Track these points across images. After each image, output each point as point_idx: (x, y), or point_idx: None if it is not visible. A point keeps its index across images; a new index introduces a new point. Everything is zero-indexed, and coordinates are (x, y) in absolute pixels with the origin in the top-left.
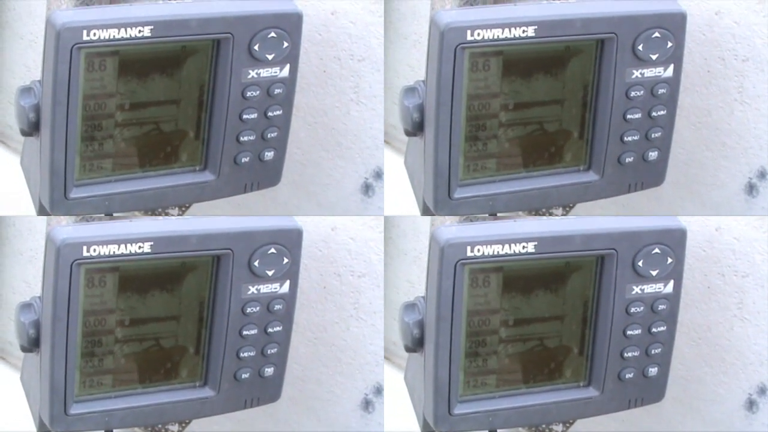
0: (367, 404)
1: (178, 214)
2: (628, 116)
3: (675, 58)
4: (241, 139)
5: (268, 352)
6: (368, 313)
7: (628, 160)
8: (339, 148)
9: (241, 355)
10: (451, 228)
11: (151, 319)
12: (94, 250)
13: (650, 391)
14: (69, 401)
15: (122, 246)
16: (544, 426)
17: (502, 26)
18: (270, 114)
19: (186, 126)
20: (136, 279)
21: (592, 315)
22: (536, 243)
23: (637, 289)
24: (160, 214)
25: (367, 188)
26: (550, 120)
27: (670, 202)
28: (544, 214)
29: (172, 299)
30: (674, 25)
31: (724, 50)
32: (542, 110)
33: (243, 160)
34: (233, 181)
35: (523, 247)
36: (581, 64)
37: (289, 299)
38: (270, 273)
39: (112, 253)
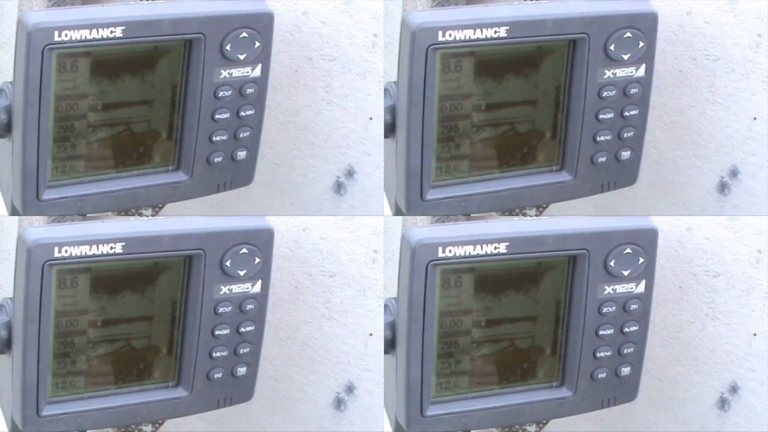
0: (339, 403)
1: (152, 215)
2: (601, 116)
3: (647, 57)
4: (214, 138)
5: (241, 351)
6: (339, 312)
7: (600, 159)
8: (311, 147)
9: (214, 354)
10: (423, 229)
11: (124, 320)
12: (66, 251)
13: (623, 390)
14: (42, 402)
15: (94, 247)
16: (517, 426)
17: (474, 27)
18: (242, 114)
19: (159, 126)
20: (108, 280)
21: (565, 315)
22: (508, 243)
23: (609, 289)
24: (133, 215)
25: (339, 186)
26: (522, 120)
27: (642, 201)
28: (517, 215)
29: (144, 300)
30: (646, 25)
31: (695, 50)
32: (515, 111)
33: (216, 160)
34: (206, 180)
35: (495, 248)
36: (553, 64)
37: (261, 299)
38: (242, 273)
39: (83, 254)
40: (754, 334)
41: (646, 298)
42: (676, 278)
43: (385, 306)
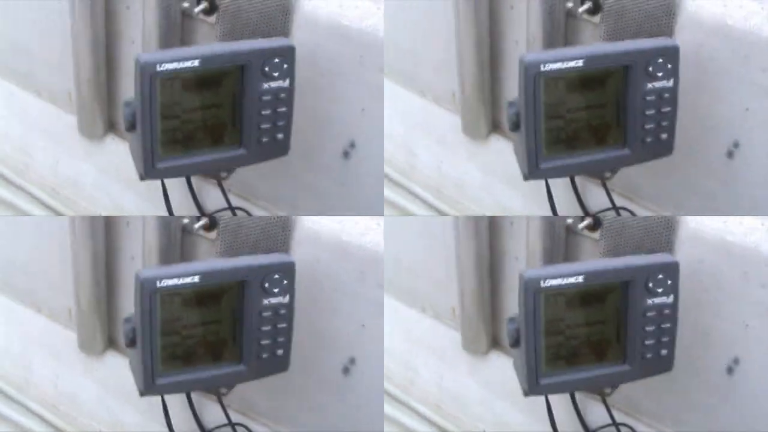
0: (345, 369)
1: (225, 177)
2: (647, 112)
3: (674, 74)
4: (261, 126)
5: (278, 340)
6: (342, 315)
7: (648, 140)
8: (320, 129)
9: (261, 343)
10: (533, 270)
11: (203, 323)
12: (165, 283)
13: (663, 365)
14: (156, 376)
15: (182, 279)
16: (598, 390)
17: (563, 60)
18: (278, 110)
19: (226, 121)
20: (192, 299)
21: (623, 319)
22: (584, 276)
23: (650, 301)
24: (215, 177)
25: (345, 154)
26: (596, 118)
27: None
28: (598, 177)
29: (214, 311)
30: (673, 54)
31: (702, 69)
32: (591, 112)
33: (264, 140)
34: (258, 153)
35: (576, 279)
36: (615, 81)
37: (290, 307)
38: (276, 290)
39: (176, 283)
40: (746, 325)
41: (674, 306)
42: (691, 293)
43: (512, 318)
